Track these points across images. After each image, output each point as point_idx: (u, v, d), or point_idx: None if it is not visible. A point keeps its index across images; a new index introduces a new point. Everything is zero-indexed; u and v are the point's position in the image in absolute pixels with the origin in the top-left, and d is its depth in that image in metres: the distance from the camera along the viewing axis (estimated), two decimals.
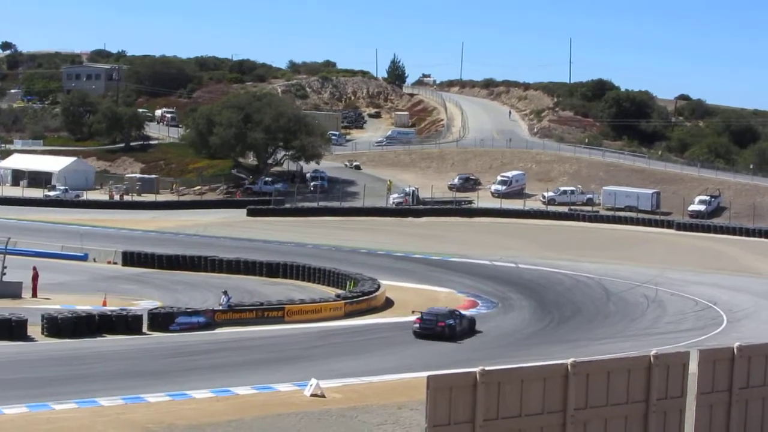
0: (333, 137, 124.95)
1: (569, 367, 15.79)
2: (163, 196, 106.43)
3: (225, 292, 46.37)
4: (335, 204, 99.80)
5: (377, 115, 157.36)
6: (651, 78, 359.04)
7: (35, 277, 51.22)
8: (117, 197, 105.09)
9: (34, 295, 50.72)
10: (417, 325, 43.31)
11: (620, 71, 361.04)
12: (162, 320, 42.29)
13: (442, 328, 42.91)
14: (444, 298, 55.22)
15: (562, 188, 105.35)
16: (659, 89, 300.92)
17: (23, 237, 68.57)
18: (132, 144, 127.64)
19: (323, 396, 27.72)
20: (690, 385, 17.23)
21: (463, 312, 47.08)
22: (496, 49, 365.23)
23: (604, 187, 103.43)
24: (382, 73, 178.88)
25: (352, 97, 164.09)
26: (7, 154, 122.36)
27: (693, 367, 17.34)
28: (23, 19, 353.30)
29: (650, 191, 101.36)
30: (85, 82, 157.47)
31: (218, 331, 43.12)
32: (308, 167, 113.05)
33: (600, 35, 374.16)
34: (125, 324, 40.86)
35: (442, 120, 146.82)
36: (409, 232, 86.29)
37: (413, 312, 45.13)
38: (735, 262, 73.59)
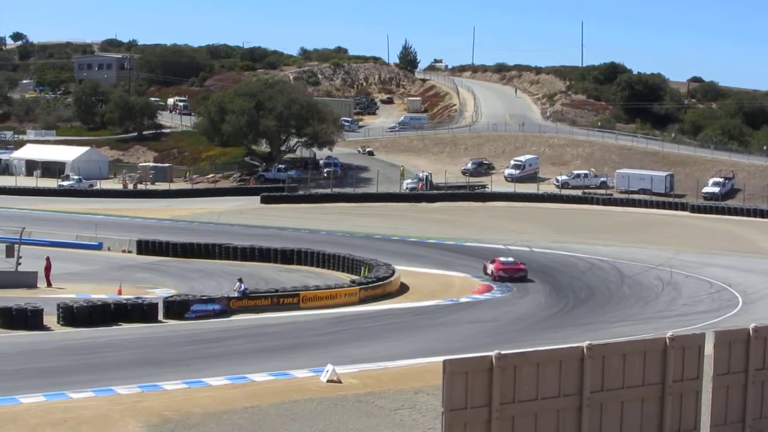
0: (345, 124, 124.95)
1: (585, 350, 15.78)
2: (177, 185, 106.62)
3: (240, 280, 46.40)
4: (349, 190, 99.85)
5: (389, 101, 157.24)
6: (663, 60, 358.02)
7: (48, 268, 51.36)
8: (130, 186, 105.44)
9: (48, 285, 50.89)
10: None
11: (632, 54, 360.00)
12: (177, 308, 42.34)
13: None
14: (459, 283, 55.20)
15: (575, 172, 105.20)
16: (671, 72, 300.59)
17: (38, 227, 68.71)
18: (144, 133, 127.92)
19: (339, 382, 27.73)
20: (706, 367, 17.20)
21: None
22: (508, 33, 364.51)
23: (618, 170, 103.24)
24: (393, 58, 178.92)
25: (364, 83, 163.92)
26: (20, 144, 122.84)
27: (709, 348, 17.30)
28: (34, 9, 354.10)
29: (664, 174, 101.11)
30: (97, 71, 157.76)
31: (233, 318, 43.16)
32: (321, 154, 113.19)
33: (612, 17, 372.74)
34: (141, 312, 40.92)
35: (454, 105, 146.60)
36: (423, 217, 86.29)
37: None
38: (749, 243, 73.36)
